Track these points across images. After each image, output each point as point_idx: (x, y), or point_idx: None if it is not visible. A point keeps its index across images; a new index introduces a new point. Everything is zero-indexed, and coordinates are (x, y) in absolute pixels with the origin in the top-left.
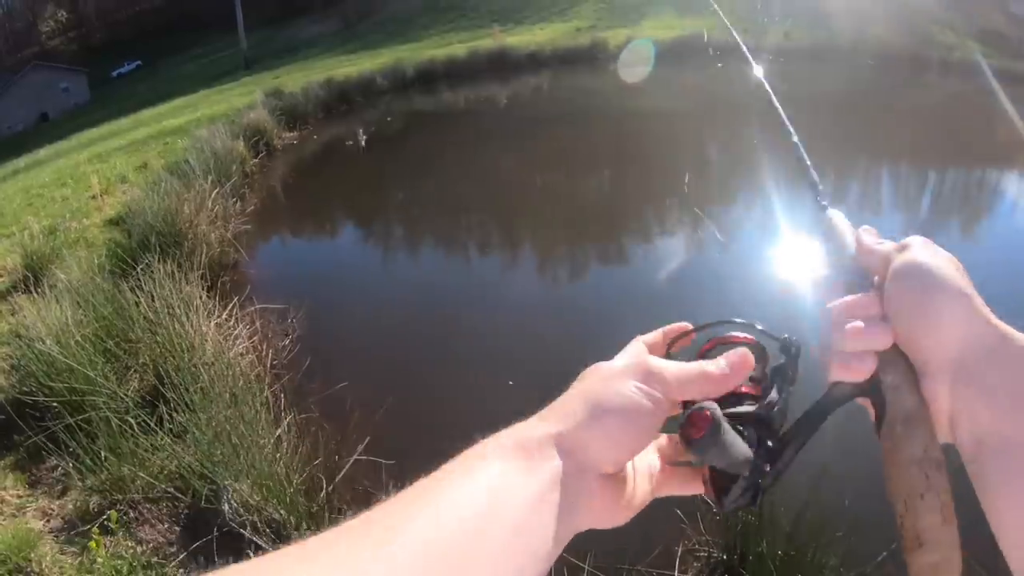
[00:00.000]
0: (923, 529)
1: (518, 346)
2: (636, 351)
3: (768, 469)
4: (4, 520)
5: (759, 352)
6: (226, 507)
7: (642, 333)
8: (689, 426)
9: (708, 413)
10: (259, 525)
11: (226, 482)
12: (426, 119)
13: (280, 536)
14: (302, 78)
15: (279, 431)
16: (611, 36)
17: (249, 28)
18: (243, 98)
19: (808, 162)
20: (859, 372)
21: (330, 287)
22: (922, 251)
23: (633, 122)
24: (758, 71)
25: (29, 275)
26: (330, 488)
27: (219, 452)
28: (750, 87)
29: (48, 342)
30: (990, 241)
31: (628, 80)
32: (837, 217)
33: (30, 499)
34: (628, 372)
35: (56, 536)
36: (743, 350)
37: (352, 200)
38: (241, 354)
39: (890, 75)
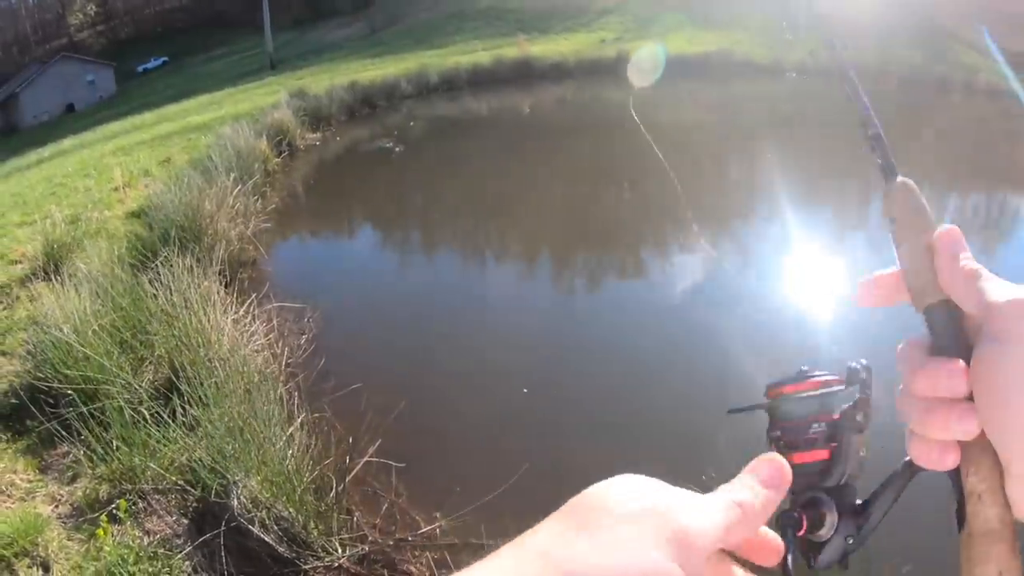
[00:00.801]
0: None
1: (533, 354)
2: (669, 499)
3: (851, 542)
4: (13, 504)
5: (823, 402)
6: (235, 502)
7: (659, 350)
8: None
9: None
10: (267, 522)
11: (236, 477)
12: (448, 125)
13: (287, 534)
14: (326, 80)
15: (291, 429)
16: (636, 49)
17: (275, 29)
18: (267, 98)
19: (866, 101)
20: (938, 465)
21: (347, 288)
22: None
23: (654, 134)
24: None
25: (49, 263)
26: (340, 488)
27: (230, 447)
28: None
29: (65, 330)
30: (1012, 264)
31: (637, 85)
32: (909, 201)
33: (40, 484)
34: (649, 534)
35: (64, 522)
36: (775, 460)
37: (372, 202)
38: (256, 351)
39: (915, 96)
